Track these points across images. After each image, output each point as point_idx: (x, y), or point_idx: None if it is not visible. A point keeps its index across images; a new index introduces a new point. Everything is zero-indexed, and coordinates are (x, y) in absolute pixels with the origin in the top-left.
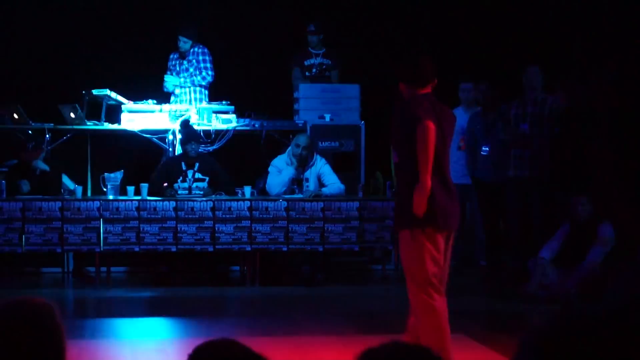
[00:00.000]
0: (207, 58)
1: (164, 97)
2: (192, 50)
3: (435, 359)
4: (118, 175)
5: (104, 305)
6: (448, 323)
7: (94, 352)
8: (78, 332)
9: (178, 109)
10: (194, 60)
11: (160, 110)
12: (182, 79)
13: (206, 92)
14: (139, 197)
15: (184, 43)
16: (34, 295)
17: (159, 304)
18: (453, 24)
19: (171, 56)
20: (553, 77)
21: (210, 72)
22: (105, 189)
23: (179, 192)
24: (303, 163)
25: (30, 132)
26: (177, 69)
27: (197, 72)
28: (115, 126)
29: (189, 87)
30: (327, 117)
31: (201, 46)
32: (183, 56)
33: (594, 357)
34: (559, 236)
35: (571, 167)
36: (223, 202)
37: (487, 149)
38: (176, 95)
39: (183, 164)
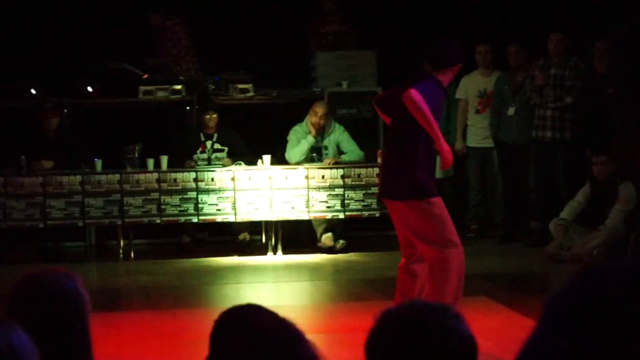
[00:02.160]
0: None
1: None
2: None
3: (455, 315)
4: (137, 147)
5: (130, 276)
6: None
7: (119, 323)
8: (103, 304)
9: (196, 80)
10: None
11: (178, 82)
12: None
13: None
14: (158, 169)
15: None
16: (56, 267)
17: (183, 274)
18: None
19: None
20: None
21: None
22: (124, 162)
23: (198, 163)
24: (321, 131)
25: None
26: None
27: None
28: (132, 99)
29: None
30: (345, 84)
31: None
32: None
33: (622, 318)
34: (580, 196)
35: (594, 127)
36: (243, 171)
37: (514, 110)
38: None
39: (201, 134)
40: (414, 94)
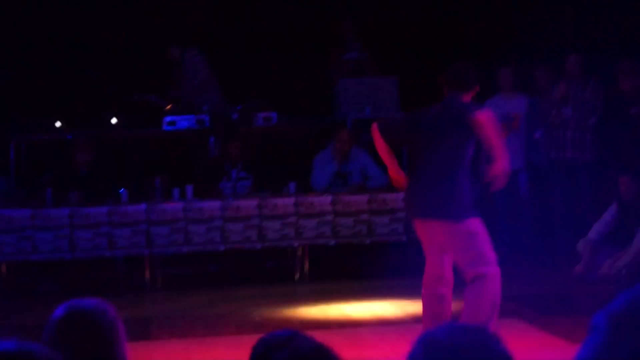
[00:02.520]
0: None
1: None
2: (185, 56)
3: (493, 337)
4: (163, 178)
5: (158, 305)
6: None
7: (149, 352)
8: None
9: (219, 110)
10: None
11: (201, 112)
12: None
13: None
14: (184, 199)
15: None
16: (89, 298)
17: (212, 302)
18: (490, 8)
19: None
20: (599, 63)
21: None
22: (151, 192)
23: (224, 191)
24: (345, 157)
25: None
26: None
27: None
28: (157, 129)
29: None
30: (368, 111)
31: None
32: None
33: None
34: (607, 217)
35: (621, 147)
36: (268, 199)
37: (539, 133)
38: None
39: (226, 163)
40: (491, 114)
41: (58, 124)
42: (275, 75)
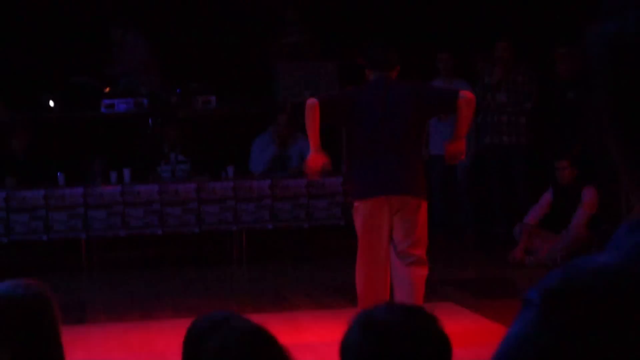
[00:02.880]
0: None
1: None
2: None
3: (430, 317)
4: (100, 161)
5: (95, 289)
6: None
7: (86, 336)
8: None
9: (158, 92)
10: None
11: (140, 94)
12: None
13: None
14: (122, 183)
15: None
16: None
17: (149, 286)
18: None
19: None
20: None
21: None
22: (88, 176)
23: (163, 175)
24: (284, 141)
25: (10, 121)
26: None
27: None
28: (94, 112)
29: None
30: (307, 95)
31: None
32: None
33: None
34: (543, 201)
35: (557, 132)
36: (207, 183)
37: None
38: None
39: (165, 147)
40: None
41: None
42: (214, 58)
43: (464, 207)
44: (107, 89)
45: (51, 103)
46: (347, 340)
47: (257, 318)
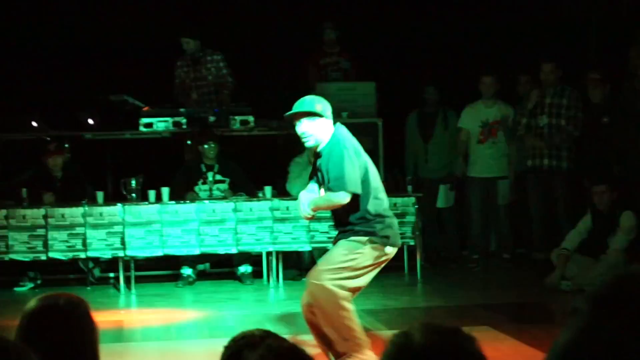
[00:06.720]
0: (225, 64)
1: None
2: (208, 58)
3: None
4: (139, 179)
5: (132, 307)
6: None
7: (123, 354)
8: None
9: (196, 112)
10: (212, 69)
11: (179, 114)
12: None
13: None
14: (160, 201)
15: (186, 43)
16: (68, 293)
17: (185, 305)
18: (470, 18)
19: (179, 63)
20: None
21: (231, 79)
22: (126, 194)
23: (200, 194)
24: None
25: (49, 139)
26: (192, 76)
27: (221, 80)
28: (133, 131)
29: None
30: (344, 115)
31: (216, 52)
32: (195, 62)
33: None
34: (581, 226)
35: (595, 157)
36: (244, 203)
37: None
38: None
39: (203, 166)
40: None
41: (34, 124)
42: (252, 79)
43: (502, 230)
44: (147, 108)
45: (90, 121)
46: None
47: (292, 339)
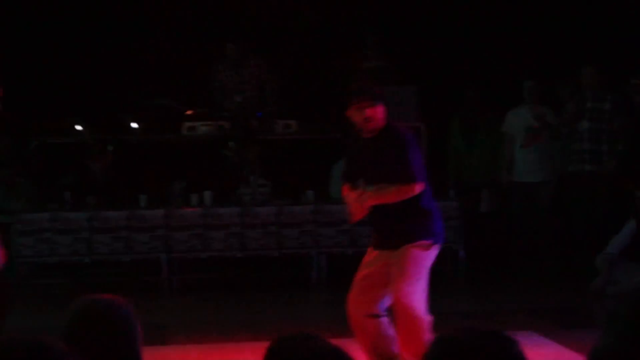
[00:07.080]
0: (268, 68)
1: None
2: (252, 62)
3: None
4: (181, 183)
5: (174, 310)
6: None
7: (164, 358)
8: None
9: (240, 116)
10: (255, 73)
11: (222, 117)
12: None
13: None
14: (203, 205)
15: (230, 48)
16: (111, 295)
17: (229, 308)
18: (512, 22)
19: (220, 67)
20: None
21: (274, 83)
22: (169, 198)
23: (243, 197)
24: None
25: (92, 142)
26: (235, 80)
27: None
28: (176, 135)
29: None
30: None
31: (259, 56)
32: (237, 65)
33: None
34: (626, 231)
35: (636, 162)
36: (287, 206)
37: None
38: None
39: (245, 169)
40: None
41: (78, 127)
42: (295, 83)
43: (545, 234)
44: (189, 112)
45: (133, 125)
46: None
47: (335, 342)
